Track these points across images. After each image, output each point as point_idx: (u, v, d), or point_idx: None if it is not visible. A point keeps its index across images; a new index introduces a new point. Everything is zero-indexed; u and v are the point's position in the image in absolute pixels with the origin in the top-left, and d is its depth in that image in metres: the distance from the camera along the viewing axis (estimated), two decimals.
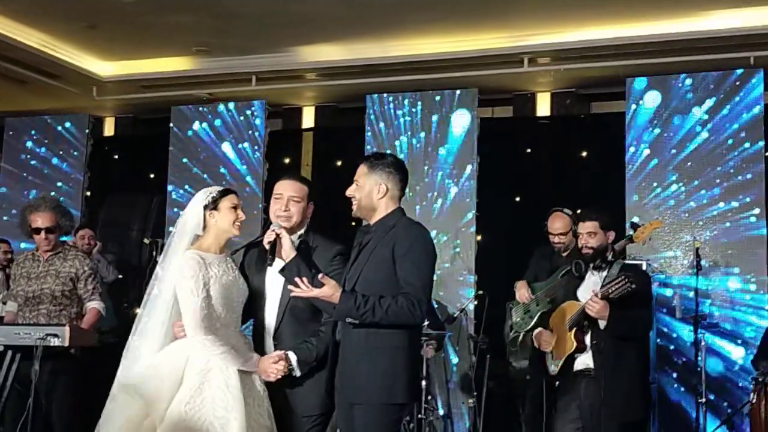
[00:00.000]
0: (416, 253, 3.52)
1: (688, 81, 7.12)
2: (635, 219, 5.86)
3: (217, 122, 8.57)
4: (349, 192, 3.70)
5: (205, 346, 3.59)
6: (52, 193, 8.13)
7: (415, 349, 3.63)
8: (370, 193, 3.65)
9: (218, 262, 3.72)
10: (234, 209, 3.77)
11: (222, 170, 8.46)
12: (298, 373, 3.68)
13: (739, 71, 6.97)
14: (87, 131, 9.03)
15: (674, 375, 6.73)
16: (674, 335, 6.75)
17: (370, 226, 3.68)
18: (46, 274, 5.03)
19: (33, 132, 9.17)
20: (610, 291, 4.39)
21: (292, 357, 3.67)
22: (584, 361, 4.65)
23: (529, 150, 8.17)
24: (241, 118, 8.50)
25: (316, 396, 3.73)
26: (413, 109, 7.96)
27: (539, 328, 4.99)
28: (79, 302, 5.08)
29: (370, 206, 3.66)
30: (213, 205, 3.75)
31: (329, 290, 3.45)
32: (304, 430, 3.74)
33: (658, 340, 6.67)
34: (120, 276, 7.48)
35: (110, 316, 7.13)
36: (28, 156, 9.15)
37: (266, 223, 3.91)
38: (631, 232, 5.46)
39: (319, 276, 3.48)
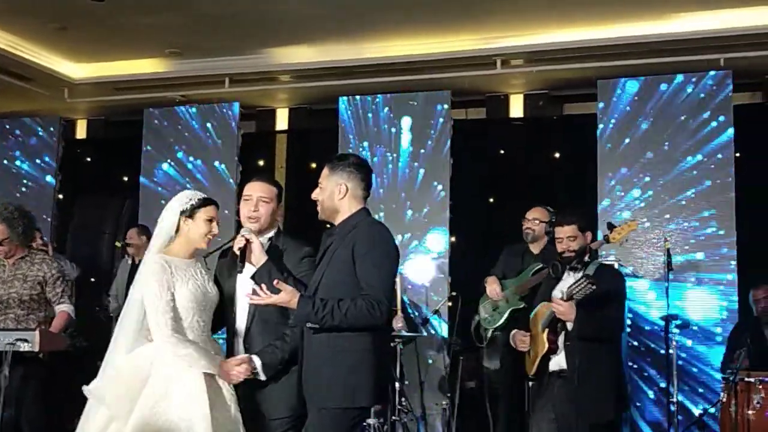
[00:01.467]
0: (376, 253, 3.48)
1: (659, 82, 7.18)
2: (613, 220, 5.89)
3: (190, 124, 8.52)
4: (313, 195, 3.69)
5: (169, 346, 3.55)
6: (20, 192, 8.03)
7: (381, 351, 3.58)
8: (331, 194, 3.62)
9: (185, 266, 3.70)
10: (209, 221, 3.74)
11: (195, 172, 8.42)
12: (262, 377, 3.67)
13: (710, 73, 7.04)
14: (58, 134, 8.94)
15: (646, 375, 6.77)
16: (647, 335, 6.80)
17: (334, 228, 3.67)
18: (14, 278, 4.98)
19: (3, 134, 9.07)
20: (573, 292, 4.42)
21: (257, 360, 3.66)
22: (558, 362, 4.67)
23: (502, 151, 8.22)
24: (215, 120, 8.46)
25: (284, 398, 3.70)
26: (386, 111, 7.96)
27: (514, 330, 5.01)
28: (48, 306, 5.03)
29: (333, 208, 3.63)
30: (189, 212, 3.73)
31: (286, 296, 3.44)
32: None
33: (631, 341, 6.73)
34: (78, 272, 7.38)
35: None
36: None
37: (239, 226, 3.90)
38: (608, 233, 5.50)
39: (275, 282, 3.46)
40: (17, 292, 4.95)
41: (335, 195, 3.61)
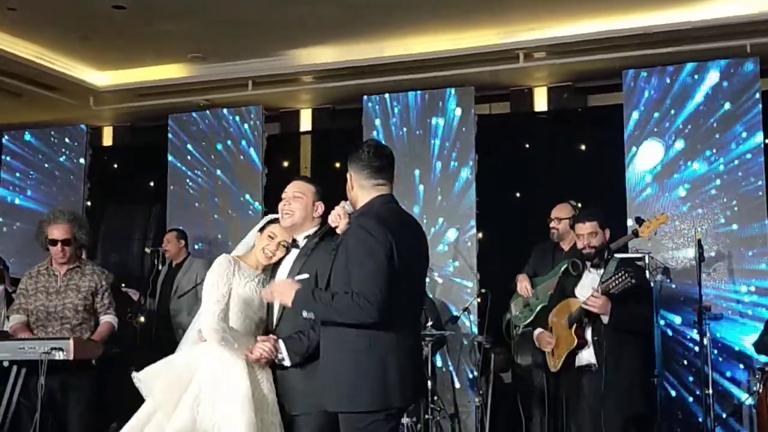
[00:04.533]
0: (357, 251, 3.33)
1: (685, 71, 7.08)
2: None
3: (214, 128, 8.56)
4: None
5: (214, 333, 3.72)
6: (50, 200, 8.16)
7: (384, 351, 3.34)
8: (348, 187, 3.60)
9: (250, 272, 3.91)
10: (270, 237, 3.93)
11: (222, 176, 8.46)
12: (287, 362, 3.71)
13: (736, 60, 6.94)
14: (85, 141, 9.03)
15: (678, 368, 6.70)
16: (678, 328, 6.73)
17: None
18: (66, 289, 5.02)
19: (32, 144, 9.17)
20: (610, 287, 4.46)
21: (282, 345, 3.72)
22: (586, 357, 4.71)
23: (527, 145, 8.16)
24: (239, 123, 8.49)
25: (309, 394, 3.66)
26: (409, 109, 7.94)
27: (540, 330, 5.00)
28: (95, 316, 5.08)
29: (352, 200, 3.60)
30: (261, 228, 4.00)
31: (281, 287, 3.53)
32: (300, 430, 3.73)
33: (668, 332, 6.66)
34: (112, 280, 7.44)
35: None
36: (28, 168, 9.15)
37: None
38: (637, 227, 5.47)
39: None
40: (72, 302, 4.99)
41: (349, 188, 3.59)
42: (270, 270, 3.98)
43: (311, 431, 3.71)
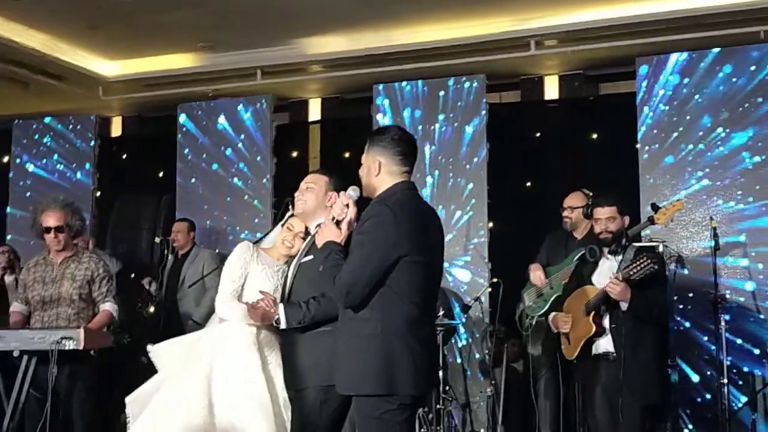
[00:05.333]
0: (362, 235, 3.38)
1: (699, 57, 6.98)
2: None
3: (223, 118, 8.53)
4: (360, 172, 3.62)
5: (223, 305, 3.96)
6: (58, 190, 8.15)
7: (393, 337, 3.33)
8: (368, 171, 3.54)
9: (270, 262, 4.07)
10: (288, 229, 4.12)
11: (230, 166, 8.43)
12: (283, 323, 3.80)
13: (752, 46, 6.85)
14: (94, 132, 9.00)
15: (694, 357, 6.65)
16: (693, 317, 6.67)
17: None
18: (62, 278, 5.02)
19: (41, 134, 9.15)
20: (631, 273, 4.43)
21: (281, 307, 3.83)
22: (603, 344, 4.69)
23: (538, 134, 8.10)
24: (248, 113, 8.46)
25: (313, 369, 3.76)
26: (420, 98, 7.89)
27: (554, 313, 4.97)
28: (94, 304, 5.06)
29: (370, 185, 3.55)
30: (283, 222, 4.19)
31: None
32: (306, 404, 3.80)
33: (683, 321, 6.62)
34: (119, 267, 7.45)
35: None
36: (37, 158, 9.14)
37: (275, 218, 4.14)
38: (653, 214, 5.41)
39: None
40: (67, 291, 4.99)
41: (372, 172, 3.52)
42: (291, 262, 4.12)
43: (308, 405, 3.76)
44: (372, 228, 3.35)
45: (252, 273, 3.99)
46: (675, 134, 7.00)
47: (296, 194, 4.06)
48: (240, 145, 8.45)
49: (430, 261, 3.48)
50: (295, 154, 8.82)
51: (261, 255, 4.07)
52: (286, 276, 4.03)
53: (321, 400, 3.71)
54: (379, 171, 3.49)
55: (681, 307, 6.61)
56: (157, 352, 4.04)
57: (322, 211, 3.94)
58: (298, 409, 3.80)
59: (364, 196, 3.65)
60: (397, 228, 3.32)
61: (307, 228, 4.06)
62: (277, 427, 3.76)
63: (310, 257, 3.88)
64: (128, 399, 4.00)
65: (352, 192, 3.66)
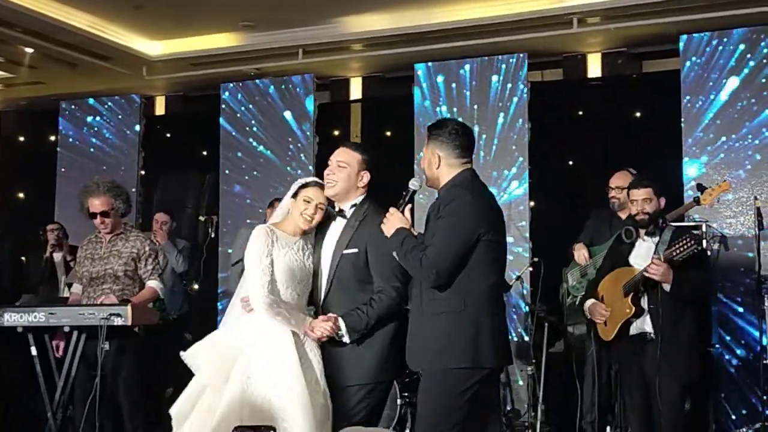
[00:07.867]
0: (442, 220, 3.52)
1: (743, 34, 6.85)
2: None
3: (265, 97, 8.58)
4: (420, 163, 3.80)
5: (265, 306, 3.72)
6: (104, 170, 8.30)
7: (477, 313, 3.50)
8: (429, 164, 3.70)
9: (288, 240, 3.87)
10: (306, 201, 3.87)
11: (273, 145, 8.49)
12: (347, 338, 3.73)
13: None
14: (139, 111, 9.12)
15: (735, 338, 6.59)
16: (736, 298, 6.60)
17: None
18: (109, 255, 5.11)
19: (86, 114, 9.29)
20: (674, 254, 4.40)
21: (341, 322, 3.73)
22: (641, 325, 4.66)
23: (580, 113, 8.04)
24: (290, 92, 8.50)
25: (362, 365, 3.74)
26: (461, 76, 7.86)
27: (592, 300, 4.94)
28: (141, 282, 5.17)
29: (433, 176, 3.71)
30: (294, 193, 3.92)
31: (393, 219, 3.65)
32: (350, 401, 3.74)
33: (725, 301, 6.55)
34: (185, 268, 7.51)
35: (180, 300, 7.29)
36: (83, 138, 9.29)
37: None
38: (698, 194, 5.36)
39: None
40: (113, 268, 5.08)
41: (432, 164, 3.69)
42: (312, 237, 3.96)
43: (362, 401, 3.73)
44: (453, 210, 3.51)
45: (276, 258, 3.80)
46: (717, 112, 6.86)
47: (326, 172, 3.89)
48: (282, 124, 8.50)
49: (502, 239, 3.71)
50: (336, 133, 8.86)
51: (279, 236, 3.85)
52: (311, 258, 3.91)
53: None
54: (439, 164, 3.66)
55: (723, 287, 6.55)
56: (191, 358, 3.86)
57: (354, 192, 3.88)
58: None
59: (427, 186, 3.79)
60: (475, 208, 3.53)
61: (342, 210, 3.91)
62: (317, 418, 3.66)
63: (354, 250, 3.80)
64: (172, 412, 3.86)
65: (414, 183, 3.74)
